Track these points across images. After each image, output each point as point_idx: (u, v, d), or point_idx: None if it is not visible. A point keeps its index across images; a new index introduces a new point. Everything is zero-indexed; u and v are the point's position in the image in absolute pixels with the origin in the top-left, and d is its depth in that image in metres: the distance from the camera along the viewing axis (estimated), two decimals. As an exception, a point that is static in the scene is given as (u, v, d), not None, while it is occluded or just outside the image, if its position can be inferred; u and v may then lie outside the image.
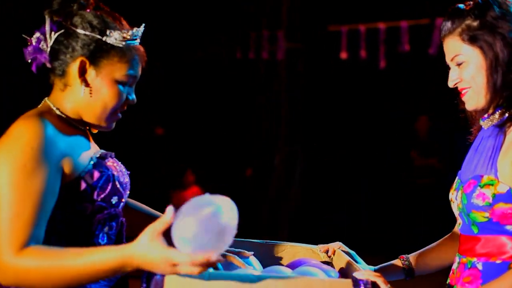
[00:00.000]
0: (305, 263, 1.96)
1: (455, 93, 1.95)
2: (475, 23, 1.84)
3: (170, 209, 1.48)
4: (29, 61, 1.77)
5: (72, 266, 1.53)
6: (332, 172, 9.31)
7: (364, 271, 1.73)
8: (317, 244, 2.13)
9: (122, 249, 1.53)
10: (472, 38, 1.84)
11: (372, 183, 9.10)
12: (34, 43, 1.76)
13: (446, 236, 2.11)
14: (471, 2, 1.88)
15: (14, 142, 1.61)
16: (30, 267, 1.53)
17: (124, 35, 1.76)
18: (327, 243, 2.14)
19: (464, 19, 1.86)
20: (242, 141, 9.49)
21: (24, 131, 1.63)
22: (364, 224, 8.59)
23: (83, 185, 1.69)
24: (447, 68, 1.94)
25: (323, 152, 9.40)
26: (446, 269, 2.07)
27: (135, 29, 1.80)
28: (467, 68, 1.86)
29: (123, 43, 1.76)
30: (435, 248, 2.11)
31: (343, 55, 8.26)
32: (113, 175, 1.76)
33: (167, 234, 1.51)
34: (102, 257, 1.53)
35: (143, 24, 1.83)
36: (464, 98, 1.90)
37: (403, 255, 2.11)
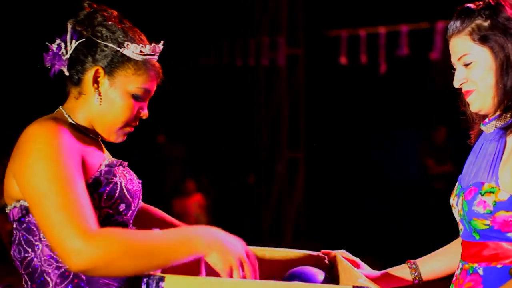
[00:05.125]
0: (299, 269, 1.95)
1: (458, 94, 1.90)
2: (486, 23, 1.79)
3: None
4: (47, 66, 1.80)
5: (152, 242, 1.57)
6: (334, 178, 9.30)
7: (365, 281, 1.66)
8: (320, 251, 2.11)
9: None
10: (482, 38, 1.79)
11: (375, 188, 9.08)
12: (54, 50, 1.79)
13: (453, 242, 2.09)
14: (481, 3, 1.83)
15: (36, 140, 1.63)
16: (112, 245, 1.53)
17: (142, 49, 1.79)
18: (331, 249, 2.12)
19: (474, 18, 1.81)
20: (244, 147, 9.48)
21: (43, 131, 1.65)
22: (370, 231, 8.55)
23: (90, 191, 1.69)
24: (451, 69, 1.89)
25: (325, 158, 9.39)
26: (449, 276, 2.05)
27: (153, 44, 1.83)
28: (475, 69, 1.81)
29: (141, 57, 1.79)
30: (442, 253, 2.08)
31: (343, 60, 8.25)
32: (121, 182, 1.77)
33: None
34: (180, 234, 1.61)
35: (162, 42, 1.85)
36: (469, 99, 1.85)
37: (410, 260, 2.09)
